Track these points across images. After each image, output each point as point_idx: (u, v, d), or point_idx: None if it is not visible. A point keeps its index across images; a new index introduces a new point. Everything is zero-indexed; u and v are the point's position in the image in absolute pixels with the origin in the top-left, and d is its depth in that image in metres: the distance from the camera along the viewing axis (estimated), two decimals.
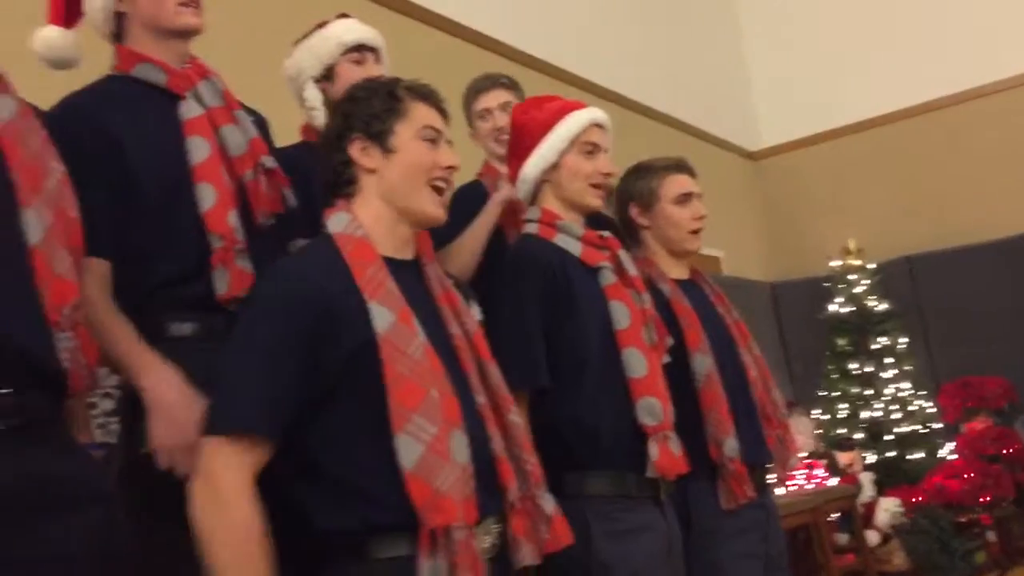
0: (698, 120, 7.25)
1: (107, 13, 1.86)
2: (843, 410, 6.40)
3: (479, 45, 5.17)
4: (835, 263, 6.83)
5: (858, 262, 6.78)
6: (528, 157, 2.18)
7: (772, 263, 7.80)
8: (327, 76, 2.26)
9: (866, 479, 5.54)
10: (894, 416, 6.29)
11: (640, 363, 2.03)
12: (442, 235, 2.29)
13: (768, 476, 2.43)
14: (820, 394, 6.54)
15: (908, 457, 6.12)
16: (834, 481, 5.12)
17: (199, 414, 1.52)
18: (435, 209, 1.68)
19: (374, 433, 1.45)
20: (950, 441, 6.05)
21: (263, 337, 1.47)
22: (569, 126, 2.17)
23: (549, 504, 1.65)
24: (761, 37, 8.18)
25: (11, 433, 1.26)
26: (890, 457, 6.14)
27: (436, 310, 1.65)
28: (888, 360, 6.46)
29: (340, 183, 1.66)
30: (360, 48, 2.26)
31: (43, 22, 1.88)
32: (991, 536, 5.30)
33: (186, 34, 1.86)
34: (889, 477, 5.82)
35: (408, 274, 1.63)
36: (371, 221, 1.63)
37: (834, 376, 6.55)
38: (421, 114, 1.67)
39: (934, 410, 6.34)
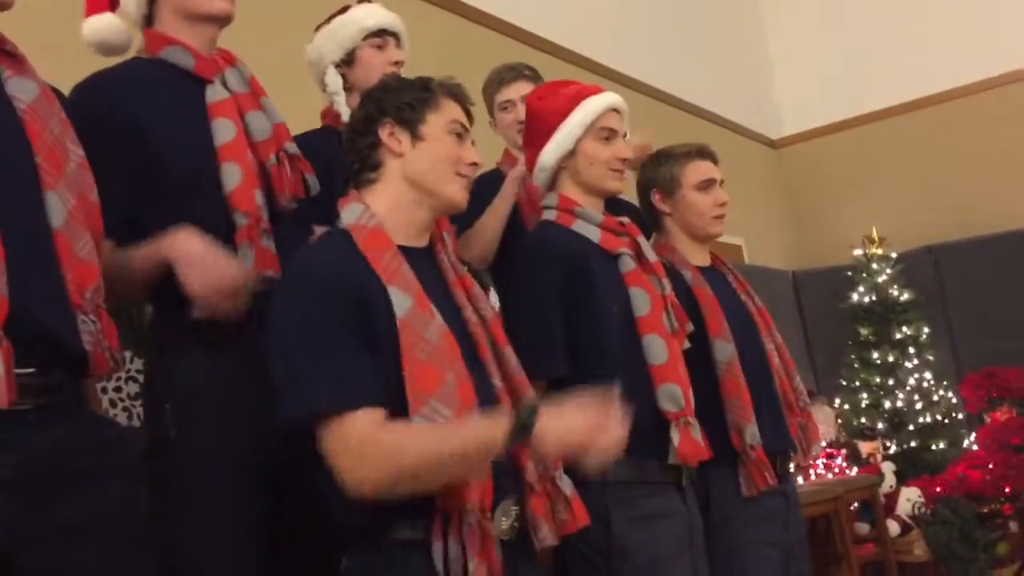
0: (720, 108, 7.20)
1: None
2: (865, 400, 6.36)
3: (503, 33, 5.15)
4: (857, 252, 6.78)
5: (880, 251, 6.73)
6: (545, 145, 2.17)
7: (794, 252, 7.75)
8: (348, 61, 2.26)
9: (887, 469, 5.51)
10: (916, 406, 6.25)
11: (661, 349, 2.03)
12: (462, 222, 2.29)
13: (789, 464, 2.42)
14: (842, 383, 6.49)
15: (930, 447, 6.09)
16: (855, 471, 5.10)
17: (225, 259, 1.61)
18: (461, 194, 1.68)
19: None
20: (972, 431, 6.02)
21: (324, 320, 1.46)
22: (585, 112, 2.15)
23: (567, 485, 1.65)
24: (783, 25, 8.11)
25: (37, 411, 1.28)
26: (912, 447, 6.10)
27: (451, 295, 1.65)
28: (911, 350, 6.41)
29: (365, 166, 1.66)
30: (381, 33, 2.26)
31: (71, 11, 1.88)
32: (1013, 527, 5.25)
33: (218, 20, 1.86)
34: (911, 467, 5.78)
35: (422, 261, 1.64)
36: (388, 208, 1.63)
37: (856, 365, 6.50)
38: (451, 109, 1.69)
39: (956, 400, 6.30)
